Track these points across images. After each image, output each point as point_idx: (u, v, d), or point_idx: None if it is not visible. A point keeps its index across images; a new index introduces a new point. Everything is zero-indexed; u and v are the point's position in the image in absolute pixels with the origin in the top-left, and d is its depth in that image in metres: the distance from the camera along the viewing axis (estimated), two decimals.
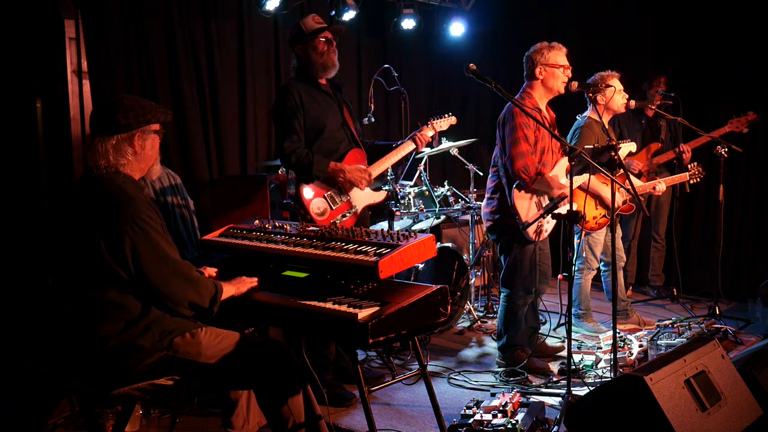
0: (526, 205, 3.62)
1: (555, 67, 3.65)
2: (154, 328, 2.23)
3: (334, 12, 5.57)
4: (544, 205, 3.68)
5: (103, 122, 2.27)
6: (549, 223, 3.71)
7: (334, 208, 3.42)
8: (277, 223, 2.95)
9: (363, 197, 3.54)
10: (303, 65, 3.49)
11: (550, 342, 4.19)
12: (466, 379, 3.72)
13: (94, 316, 2.20)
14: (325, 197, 3.41)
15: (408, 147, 3.69)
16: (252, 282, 2.54)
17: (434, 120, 3.84)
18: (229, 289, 2.43)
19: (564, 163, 3.74)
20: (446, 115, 3.89)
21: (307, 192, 3.36)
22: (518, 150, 3.55)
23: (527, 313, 3.88)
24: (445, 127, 3.91)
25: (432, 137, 3.81)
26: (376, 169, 3.60)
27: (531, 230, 3.61)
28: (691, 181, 4.54)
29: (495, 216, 3.74)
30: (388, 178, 4.19)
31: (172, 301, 2.24)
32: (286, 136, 3.35)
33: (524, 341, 3.83)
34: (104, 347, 2.18)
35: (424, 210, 4.62)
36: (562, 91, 3.70)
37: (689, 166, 4.55)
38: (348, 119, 3.58)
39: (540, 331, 4.16)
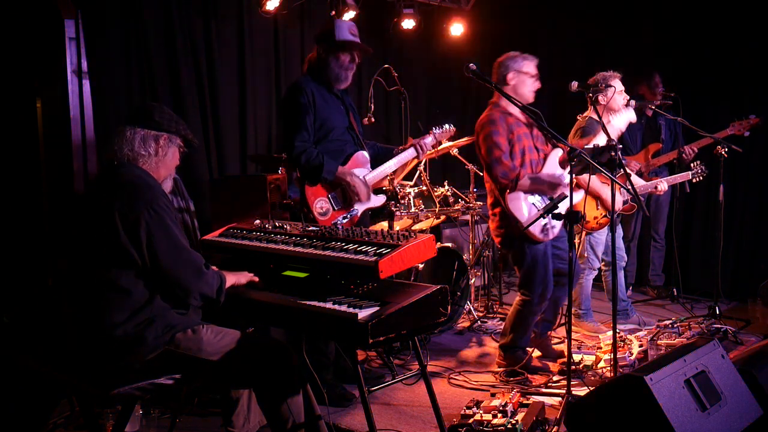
0: (521, 206, 3.60)
1: (527, 76, 3.67)
2: (157, 321, 2.25)
3: (334, 12, 5.57)
4: (541, 205, 3.67)
5: (139, 115, 2.40)
6: (555, 223, 3.67)
7: (336, 209, 3.44)
8: (277, 223, 2.95)
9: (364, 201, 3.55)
10: (319, 64, 3.49)
11: (554, 346, 4.18)
12: (466, 379, 3.72)
13: (101, 302, 2.22)
14: (328, 198, 3.43)
15: (409, 156, 3.72)
16: (252, 276, 2.58)
17: (435, 130, 3.87)
18: (230, 279, 2.48)
19: (555, 155, 3.71)
20: (446, 126, 3.91)
21: (311, 192, 3.38)
22: (492, 157, 3.57)
23: (547, 306, 3.85)
24: (445, 138, 3.95)
25: (433, 146, 3.84)
26: (378, 176, 3.63)
27: (536, 230, 3.58)
28: (694, 180, 4.54)
29: (500, 230, 3.71)
30: (389, 178, 4.20)
31: (181, 288, 2.28)
32: (298, 134, 3.35)
33: (526, 343, 3.82)
34: (110, 337, 2.20)
35: (424, 210, 4.62)
36: (531, 99, 3.72)
37: (691, 165, 4.55)
38: (353, 123, 3.61)
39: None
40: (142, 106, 2.47)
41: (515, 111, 3.71)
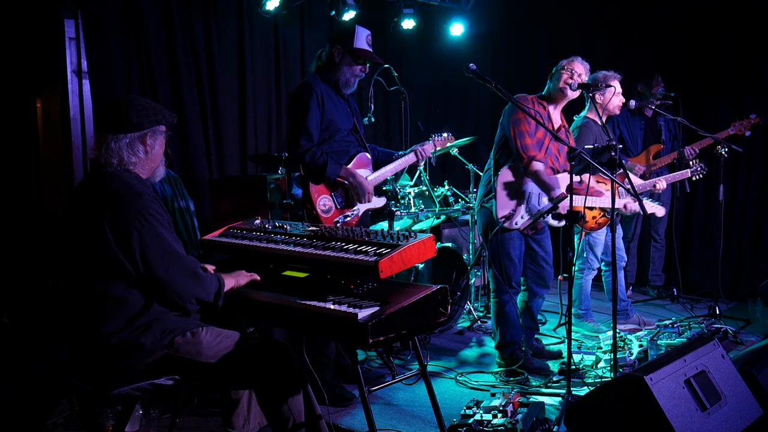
0: (505, 191, 3.67)
1: (565, 71, 3.75)
2: (155, 326, 2.23)
3: (334, 12, 5.57)
4: (525, 204, 3.67)
5: (117, 120, 2.28)
6: (522, 218, 3.69)
7: (339, 207, 3.46)
8: (277, 223, 2.95)
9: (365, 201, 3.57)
10: (329, 65, 3.52)
11: (551, 348, 4.18)
12: (466, 379, 3.72)
13: (96, 312, 2.20)
14: (332, 196, 3.46)
15: (409, 160, 3.77)
16: (251, 276, 2.56)
17: (436, 137, 3.93)
18: (229, 282, 2.46)
19: (564, 177, 3.73)
20: (445, 134, 3.99)
21: (315, 189, 3.41)
22: (518, 129, 3.64)
23: (523, 313, 3.88)
24: (443, 145, 4.02)
25: (432, 152, 3.91)
26: (379, 177, 3.66)
27: (502, 212, 3.65)
28: (693, 178, 4.54)
29: (488, 196, 3.79)
30: (389, 178, 4.21)
31: (179, 296, 2.25)
32: (304, 134, 3.38)
33: (518, 338, 3.81)
34: (105, 346, 2.19)
35: (424, 210, 4.62)
36: (567, 94, 3.75)
37: (690, 162, 4.55)
38: (357, 126, 3.65)
39: (539, 332, 4.15)
40: (114, 107, 2.30)
41: (554, 110, 3.79)
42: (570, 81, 3.69)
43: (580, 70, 3.74)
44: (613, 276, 3.18)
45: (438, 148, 3.99)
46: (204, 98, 5.16)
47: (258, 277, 2.58)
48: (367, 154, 3.63)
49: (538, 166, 3.59)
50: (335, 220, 3.41)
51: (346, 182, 3.45)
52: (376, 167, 3.69)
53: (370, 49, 3.53)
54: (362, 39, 3.49)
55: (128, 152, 2.28)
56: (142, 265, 2.18)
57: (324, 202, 3.41)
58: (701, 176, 4.54)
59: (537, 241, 3.82)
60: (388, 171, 3.71)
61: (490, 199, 3.72)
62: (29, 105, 4.55)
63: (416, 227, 4.72)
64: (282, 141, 5.70)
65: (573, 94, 3.76)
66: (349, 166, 3.49)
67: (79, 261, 2.25)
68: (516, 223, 3.68)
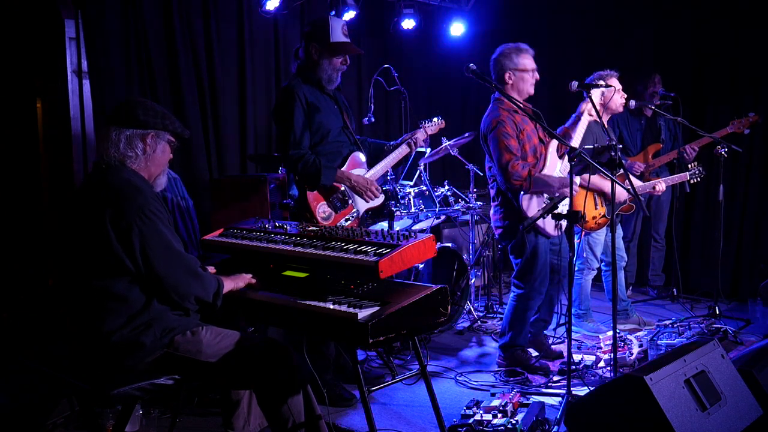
0: (534, 205, 3.63)
1: (524, 72, 3.66)
2: (155, 325, 2.24)
3: (334, 12, 5.58)
4: (543, 205, 3.67)
5: (123, 115, 2.32)
6: (554, 231, 3.69)
7: (338, 212, 3.43)
8: (277, 223, 2.95)
9: (364, 202, 3.55)
10: (309, 65, 3.45)
11: (554, 346, 4.18)
12: (466, 379, 3.72)
13: (97, 310, 2.21)
14: (330, 200, 3.42)
15: (402, 152, 3.71)
16: (251, 280, 2.57)
17: (426, 124, 3.87)
18: (228, 284, 2.47)
19: (553, 158, 3.72)
20: (436, 119, 3.92)
21: (313, 197, 3.37)
22: (504, 161, 3.56)
23: (543, 305, 3.87)
24: (435, 131, 3.94)
25: (424, 140, 3.85)
26: (374, 176, 3.63)
27: (549, 227, 3.61)
28: (692, 181, 4.54)
29: (504, 222, 3.73)
30: (389, 178, 4.20)
31: (178, 294, 2.27)
32: (292, 143, 3.32)
33: (524, 342, 3.83)
34: (106, 344, 2.20)
35: (424, 210, 4.62)
36: (532, 92, 3.72)
37: (690, 165, 4.55)
38: (347, 122, 3.59)
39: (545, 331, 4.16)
40: (125, 104, 2.36)
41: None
42: (534, 82, 3.68)
43: (534, 63, 3.71)
44: (613, 276, 3.17)
45: (429, 135, 3.93)
46: (204, 98, 5.15)
47: (255, 281, 2.59)
48: (361, 154, 3.59)
49: (536, 178, 3.54)
50: (336, 225, 3.39)
51: (342, 186, 3.42)
52: (370, 162, 3.64)
53: (348, 40, 3.45)
54: (338, 31, 3.40)
55: (126, 145, 2.30)
56: (143, 261, 2.19)
57: (323, 209, 3.38)
58: (700, 179, 4.54)
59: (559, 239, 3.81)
60: (382, 168, 3.66)
61: (515, 218, 3.65)
62: (29, 105, 4.55)
63: (416, 227, 4.72)
64: (278, 147, 5.69)
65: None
66: (343, 168, 3.45)
67: (81, 258, 2.26)
68: (563, 225, 3.66)
